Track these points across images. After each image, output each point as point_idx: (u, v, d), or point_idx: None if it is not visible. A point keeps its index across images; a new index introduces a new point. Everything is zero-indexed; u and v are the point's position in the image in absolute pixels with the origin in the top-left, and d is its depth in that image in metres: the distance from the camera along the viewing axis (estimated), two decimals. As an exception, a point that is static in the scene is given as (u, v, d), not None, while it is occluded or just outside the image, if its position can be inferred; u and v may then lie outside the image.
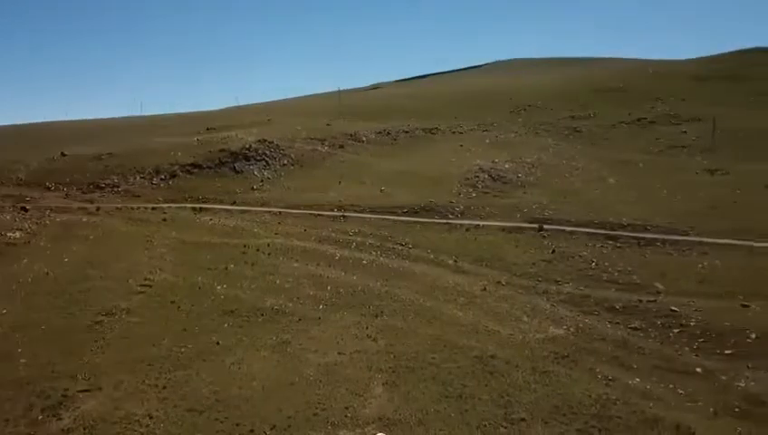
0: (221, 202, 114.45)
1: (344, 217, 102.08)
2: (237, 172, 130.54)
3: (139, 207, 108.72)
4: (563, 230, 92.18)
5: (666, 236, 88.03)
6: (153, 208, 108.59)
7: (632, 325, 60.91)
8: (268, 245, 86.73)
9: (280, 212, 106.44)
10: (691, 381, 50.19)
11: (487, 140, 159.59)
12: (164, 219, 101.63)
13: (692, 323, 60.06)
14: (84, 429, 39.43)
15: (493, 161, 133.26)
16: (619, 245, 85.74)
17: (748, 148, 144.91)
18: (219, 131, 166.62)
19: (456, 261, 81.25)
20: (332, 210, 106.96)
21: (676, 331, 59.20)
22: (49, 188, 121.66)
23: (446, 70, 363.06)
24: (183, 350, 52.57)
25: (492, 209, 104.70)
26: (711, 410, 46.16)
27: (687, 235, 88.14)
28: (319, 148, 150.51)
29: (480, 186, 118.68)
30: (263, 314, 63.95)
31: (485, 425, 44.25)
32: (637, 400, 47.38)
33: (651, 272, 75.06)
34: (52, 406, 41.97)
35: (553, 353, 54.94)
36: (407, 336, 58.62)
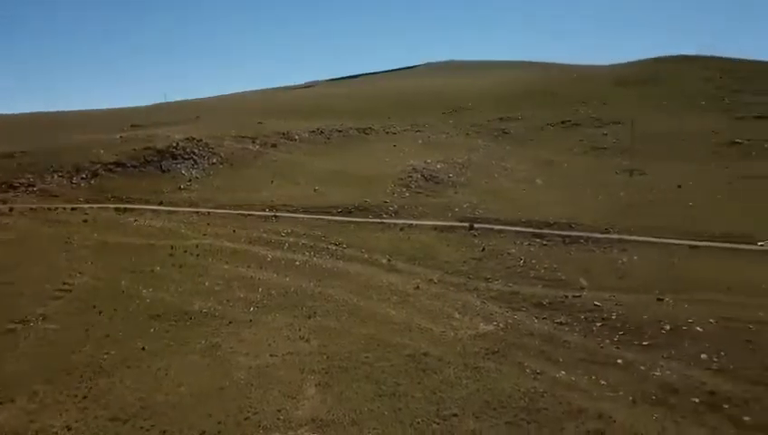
0: (146, 202, 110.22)
1: (276, 217, 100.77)
2: (164, 171, 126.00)
3: (57, 208, 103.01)
4: (493, 229, 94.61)
5: (589, 234, 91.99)
6: (73, 209, 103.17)
7: (558, 320, 63.20)
8: (197, 246, 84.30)
9: (209, 212, 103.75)
10: (612, 372, 52.59)
11: (420, 141, 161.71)
12: (85, 220, 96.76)
13: (613, 317, 63.00)
14: (-5, 445, 36.89)
15: (425, 161, 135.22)
16: (545, 243, 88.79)
17: (663, 149, 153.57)
18: (145, 128, 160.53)
19: (389, 260, 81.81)
20: (264, 210, 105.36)
21: (598, 324, 61.87)
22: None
23: (380, 70, 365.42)
24: (105, 357, 50.13)
25: (425, 209, 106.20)
26: (630, 398, 48.53)
27: (609, 233, 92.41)
28: (250, 146, 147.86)
29: (413, 186, 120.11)
30: (191, 318, 62.10)
31: (418, 422, 44.67)
32: (563, 392, 49.13)
33: (576, 268, 78.17)
34: (-44, 422, 39.13)
35: (484, 349, 56.20)
36: (340, 336, 58.43)
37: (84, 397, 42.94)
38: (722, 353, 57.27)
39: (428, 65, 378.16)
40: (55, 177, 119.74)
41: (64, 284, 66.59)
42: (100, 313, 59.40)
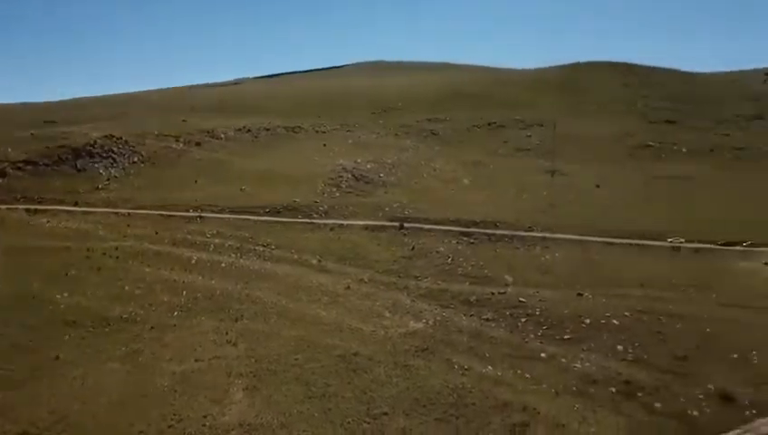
0: (61, 203, 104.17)
1: (201, 217, 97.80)
2: (80, 170, 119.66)
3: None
4: (422, 228, 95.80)
5: (513, 233, 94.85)
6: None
7: (485, 316, 64.77)
8: (116, 248, 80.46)
9: (129, 213, 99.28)
10: (536, 366, 54.41)
11: (350, 141, 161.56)
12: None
13: (537, 312, 65.20)
14: None
15: (355, 161, 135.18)
16: (472, 241, 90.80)
17: (582, 151, 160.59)
18: (59, 125, 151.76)
19: (319, 261, 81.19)
20: (188, 211, 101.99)
21: (523, 320, 63.89)
22: None
23: (309, 69, 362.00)
24: (13, 368, 46.99)
25: (355, 208, 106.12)
26: (553, 390, 50.38)
27: (532, 231, 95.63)
28: (173, 145, 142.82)
29: (343, 185, 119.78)
30: (110, 324, 59.19)
31: (349, 422, 44.53)
32: (490, 386, 50.39)
33: (501, 266, 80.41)
34: None
35: (414, 347, 56.79)
36: (269, 339, 57.41)
37: (-10, 412, 40.07)
38: (636, 345, 60.55)
39: (357, 65, 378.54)
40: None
41: (-34, 290, 62.01)
42: (5, 321, 55.65)
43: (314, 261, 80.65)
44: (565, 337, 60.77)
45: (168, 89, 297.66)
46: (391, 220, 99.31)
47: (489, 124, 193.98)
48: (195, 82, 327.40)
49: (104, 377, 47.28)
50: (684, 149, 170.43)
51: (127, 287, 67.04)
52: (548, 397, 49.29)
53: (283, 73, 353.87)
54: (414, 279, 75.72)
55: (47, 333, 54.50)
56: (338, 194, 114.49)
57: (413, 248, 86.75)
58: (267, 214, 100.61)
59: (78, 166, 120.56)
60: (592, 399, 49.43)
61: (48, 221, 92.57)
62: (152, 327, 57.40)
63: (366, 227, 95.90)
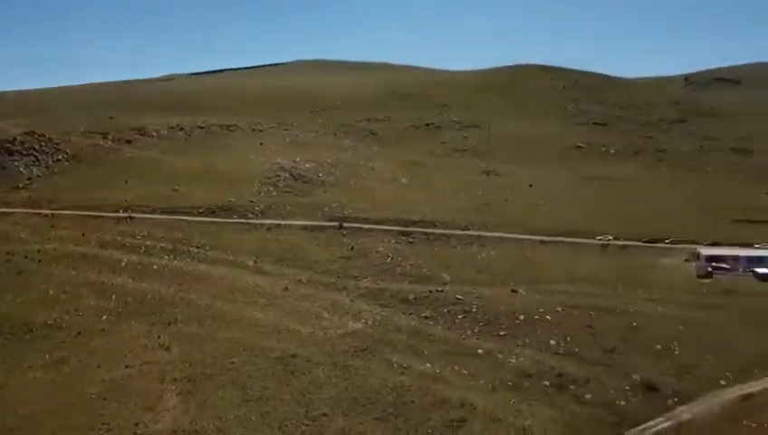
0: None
1: (131, 218, 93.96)
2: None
3: None
4: (361, 228, 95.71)
5: (451, 232, 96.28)
6: None
7: (424, 314, 65.47)
8: (38, 251, 76.21)
9: (53, 214, 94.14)
10: (473, 362, 55.40)
11: (288, 139, 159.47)
12: None
13: (474, 309, 66.40)
14: None
15: (294, 160, 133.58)
16: (411, 240, 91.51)
17: (516, 152, 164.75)
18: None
19: (256, 262, 79.75)
20: (117, 211, 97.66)
21: (460, 317, 64.92)
22: None
23: (245, 66, 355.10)
24: None
25: (293, 208, 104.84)
26: (490, 386, 51.46)
27: (469, 230, 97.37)
28: (101, 142, 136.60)
29: (281, 185, 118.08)
30: (32, 330, 56.04)
31: (287, 425, 43.94)
32: (428, 384, 50.96)
33: (439, 264, 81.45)
34: None
35: (353, 347, 56.71)
36: (204, 342, 55.93)
37: None
38: (568, 339, 62.74)
39: (295, 63, 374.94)
40: None
41: None
42: None
43: (251, 262, 79.19)
44: (501, 333, 62.23)
45: (94, 84, 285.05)
46: (330, 220, 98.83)
47: (427, 125, 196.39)
48: (122, 78, 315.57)
49: (26, 386, 44.74)
50: (612, 151, 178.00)
51: (51, 292, 63.72)
52: (485, 392, 50.30)
53: (216, 70, 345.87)
54: (353, 279, 75.63)
55: (-39, 342, 51.08)
56: (275, 193, 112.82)
57: (352, 248, 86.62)
58: (201, 214, 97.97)
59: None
60: (527, 392, 50.82)
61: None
62: (79, 333, 54.80)
63: (304, 228, 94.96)
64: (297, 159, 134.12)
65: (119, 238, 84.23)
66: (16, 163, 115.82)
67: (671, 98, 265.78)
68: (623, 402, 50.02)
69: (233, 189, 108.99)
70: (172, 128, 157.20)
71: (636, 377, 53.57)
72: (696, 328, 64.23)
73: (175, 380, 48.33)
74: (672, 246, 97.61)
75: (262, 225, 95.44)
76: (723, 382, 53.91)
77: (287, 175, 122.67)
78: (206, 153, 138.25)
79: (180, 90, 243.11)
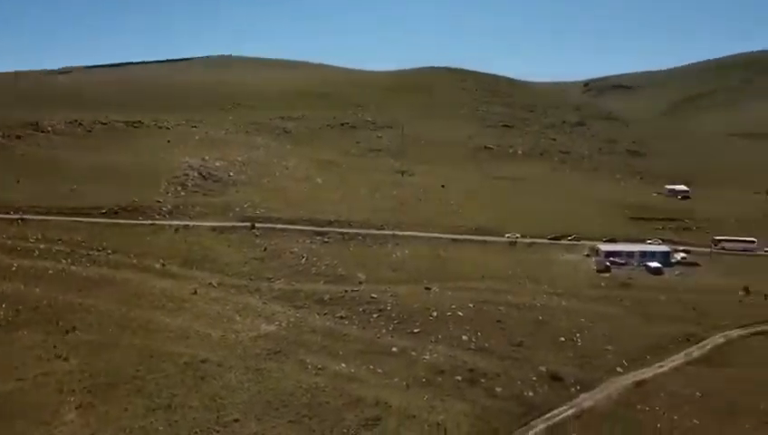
0: None
1: (23, 220, 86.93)
2: None
3: None
4: (275, 228, 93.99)
5: (366, 231, 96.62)
6: None
7: (339, 314, 65.25)
8: None
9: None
10: (388, 360, 55.80)
11: (197, 137, 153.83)
12: None
13: (388, 308, 66.93)
14: None
15: (203, 159, 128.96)
16: (326, 240, 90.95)
17: (430, 152, 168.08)
18: None
19: (163, 265, 76.21)
20: (8, 213, 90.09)
21: (375, 316, 65.25)
22: None
23: (151, 60, 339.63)
24: None
25: (203, 209, 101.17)
26: (404, 383, 52.06)
27: (384, 229, 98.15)
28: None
29: (190, 184, 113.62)
30: None
31: (197, 432, 42.32)
32: (343, 384, 50.77)
33: (354, 264, 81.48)
34: None
35: (266, 350, 55.54)
36: (106, 351, 52.76)
37: None
38: (479, 334, 64.59)
39: (204, 59, 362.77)
40: None
41: None
42: None
43: (157, 265, 75.63)
44: (415, 330, 63.09)
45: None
46: (242, 220, 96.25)
47: (342, 124, 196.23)
48: (13, 69, 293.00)
49: None
50: (519, 152, 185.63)
51: (-72, 301, 58.00)
52: (399, 390, 50.78)
53: (120, 63, 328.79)
54: (266, 281, 74.11)
55: None
56: (183, 193, 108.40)
57: (265, 249, 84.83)
58: (103, 215, 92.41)
59: None
60: (440, 388, 51.80)
61: None
62: (-39, 346, 50.20)
63: (214, 229, 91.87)
64: (206, 158, 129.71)
65: (9, 242, 77.91)
66: None
67: (572, 102, 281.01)
68: (531, 393, 52.10)
69: (137, 189, 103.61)
70: (70, 123, 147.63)
71: (542, 368, 55.99)
72: (595, 320, 68.11)
73: (73, 391, 45.38)
74: (574, 242, 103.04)
75: (169, 226, 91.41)
76: (620, 370, 57.47)
77: (196, 174, 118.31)
78: (108, 151, 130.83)
79: (79, 83, 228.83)
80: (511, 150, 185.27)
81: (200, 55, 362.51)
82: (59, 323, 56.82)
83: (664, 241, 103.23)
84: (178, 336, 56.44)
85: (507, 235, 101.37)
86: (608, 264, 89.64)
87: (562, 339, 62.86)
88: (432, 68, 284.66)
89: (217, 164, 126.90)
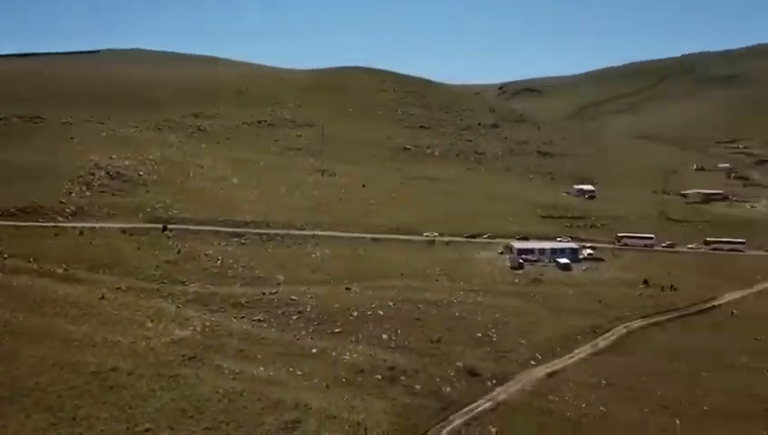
0: None
1: None
2: None
3: None
4: (189, 229, 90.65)
5: (285, 231, 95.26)
6: None
7: (257, 317, 63.88)
8: None
9: None
10: (308, 362, 55.27)
11: (104, 134, 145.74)
12: None
13: (308, 309, 66.31)
14: None
15: (111, 157, 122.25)
16: (243, 241, 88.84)
17: (349, 152, 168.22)
18: None
19: (66, 269, 71.55)
20: None
21: (295, 317, 64.45)
22: None
23: (53, 51, 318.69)
24: None
25: (110, 210, 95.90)
26: (324, 384, 51.69)
27: (303, 229, 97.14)
28: None
29: (96, 184, 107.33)
30: None
31: (104, 446, 40.09)
32: (262, 387, 49.69)
33: (273, 265, 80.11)
34: None
35: (180, 356, 53.36)
36: (2, 362, 48.96)
37: None
38: (398, 332, 65.25)
39: (112, 51, 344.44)
40: None
41: None
42: None
43: (60, 270, 70.94)
44: (335, 331, 62.85)
45: None
46: (153, 222, 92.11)
47: (259, 122, 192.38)
48: None
49: None
50: (436, 153, 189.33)
51: None
52: (319, 391, 50.36)
53: (17, 54, 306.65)
54: (180, 284, 71.38)
55: None
56: (89, 194, 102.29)
57: (179, 252, 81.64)
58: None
59: None
60: (360, 387, 51.85)
61: None
62: None
63: (124, 231, 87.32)
64: (114, 156, 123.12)
65: None
66: None
67: (487, 105, 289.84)
68: (449, 389, 53.20)
69: (37, 190, 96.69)
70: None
71: (460, 364, 57.33)
72: (510, 315, 70.57)
73: (-38, 408, 41.76)
74: (490, 240, 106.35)
75: (74, 228, 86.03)
76: (533, 362, 59.84)
77: (103, 173, 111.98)
78: (4, 148, 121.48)
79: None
80: (428, 151, 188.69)
81: (108, 48, 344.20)
82: (-55, 335, 52.18)
83: (572, 238, 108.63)
84: (84, 344, 53.20)
85: (426, 234, 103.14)
86: (521, 261, 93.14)
87: (479, 335, 64.67)
88: (351, 68, 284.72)
89: (126, 163, 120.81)
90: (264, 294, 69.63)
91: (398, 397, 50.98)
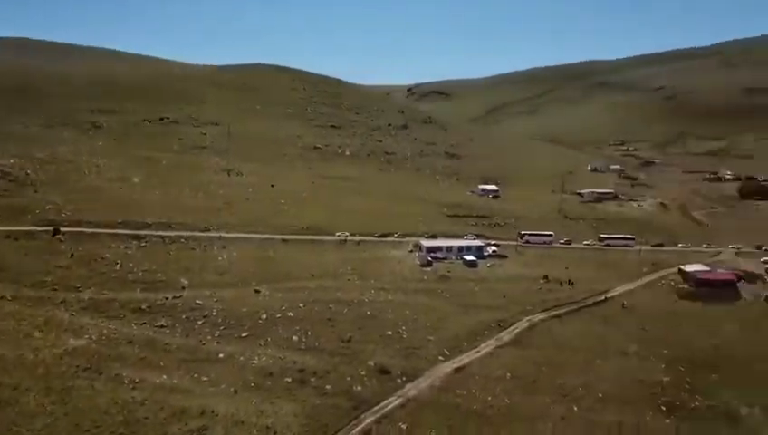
0: None
1: None
2: None
3: None
4: (84, 232, 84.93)
5: (190, 233, 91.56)
6: None
7: (159, 323, 60.93)
8: None
9: None
10: (214, 367, 53.44)
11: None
12: None
13: (214, 313, 64.18)
14: None
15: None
16: (144, 244, 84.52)
17: (258, 151, 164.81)
18: None
19: (-62, 278, 65.14)
20: None
21: (200, 322, 62.13)
22: None
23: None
24: None
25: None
26: (232, 389, 50.21)
27: (209, 230, 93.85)
28: None
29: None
30: None
31: (-17, 471, 36.69)
32: (164, 396, 47.43)
33: (177, 268, 76.75)
34: None
35: (74, 367, 49.84)
36: None
37: None
38: (309, 333, 64.46)
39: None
40: None
41: None
42: None
43: (-69, 279, 64.41)
44: (243, 335, 61.13)
45: None
46: (44, 225, 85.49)
47: (161, 119, 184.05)
48: None
49: None
50: (347, 153, 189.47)
51: None
52: (226, 397, 48.81)
53: None
54: (74, 291, 66.70)
55: None
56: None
57: (72, 256, 76.27)
58: None
59: None
60: (269, 391, 50.77)
61: None
62: None
63: (8, 235, 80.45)
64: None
65: None
66: None
67: (397, 106, 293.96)
68: (360, 388, 53.23)
69: None
70: None
71: (370, 363, 57.53)
72: (419, 312, 71.71)
73: None
74: (400, 239, 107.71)
75: (-51, 232, 78.42)
76: (441, 358, 61.11)
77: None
78: None
79: None
80: (339, 151, 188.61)
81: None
82: None
83: (478, 236, 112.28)
84: (-39, 360, 48.60)
85: (337, 234, 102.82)
86: (429, 259, 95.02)
87: (389, 333, 65.22)
88: (260, 65, 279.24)
89: (12, 161, 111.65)
90: (166, 298, 66.54)
91: (309, 398, 50.39)
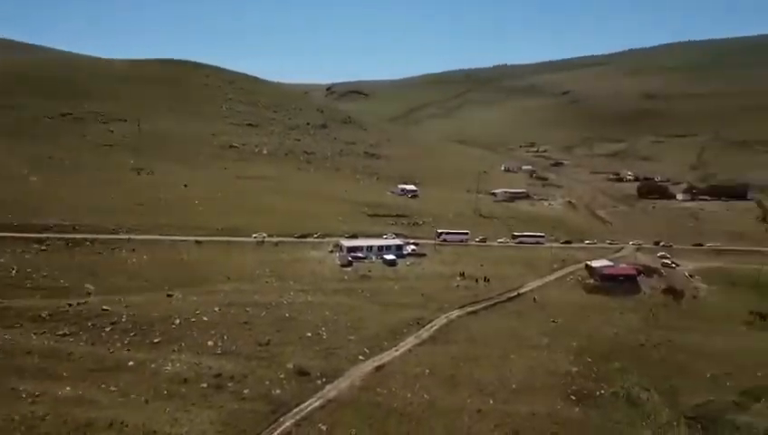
0: None
1: None
2: None
3: None
4: (-26, 236, 78.54)
5: (95, 236, 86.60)
6: None
7: (61, 332, 57.29)
8: None
9: None
10: (124, 376, 50.88)
11: None
12: None
13: (123, 320, 61.10)
14: None
15: None
16: (44, 248, 79.16)
17: (170, 149, 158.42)
18: None
19: None
20: None
21: (108, 329, 58.96)
22: None
23: None
24: None
25: None
26: (143, 398, 47.99)
27: (117, 233, 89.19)
28: None
29: None
30: None
31: None
32: (69, 409, 44.66)
33: (81, 273, 72.38)
34: None
35: (-37, 383, 46.04)
36: None
37: None
38: (225, 337, 62.62)
39: None
40: None
41: None
42: None
43: None
44: (155, 341, 58.52)
45: None
46: (-72, 228, 78.33)
47: (63, 115, 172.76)
48: None
49: None
50: (264, 152, 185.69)
51: None
52: (137, 406, 46.58)
53: None
54: (-37, 299, 61.44)
55: None
56: None
57: (-40, 261, 70.27)
58: None
59: None
60: (184, 398, 48.92)
61: None
62: None
63: None
64: None
65: None
66: None
67: (316, 105, 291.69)
68: (279, 391, 52.36)
69: None
70: None
71: (289, 365, 56.73)
72: (339, 312, 71.50)
73: None
74: (320, 239, 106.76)
75: None
76: (361, 358, 61.22)
77: None
78: None
79: None
80: (256, 149, 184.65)
81: None
82: None
83: (397, 235, 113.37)
84: None
85: (254, 235, 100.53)
86: (350, 258, 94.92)
87: (309, 334, 64.57)
88: (172, 60, 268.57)
89: None
90: (70, 305, 62.55)
91: (226, 404, 49.00)
